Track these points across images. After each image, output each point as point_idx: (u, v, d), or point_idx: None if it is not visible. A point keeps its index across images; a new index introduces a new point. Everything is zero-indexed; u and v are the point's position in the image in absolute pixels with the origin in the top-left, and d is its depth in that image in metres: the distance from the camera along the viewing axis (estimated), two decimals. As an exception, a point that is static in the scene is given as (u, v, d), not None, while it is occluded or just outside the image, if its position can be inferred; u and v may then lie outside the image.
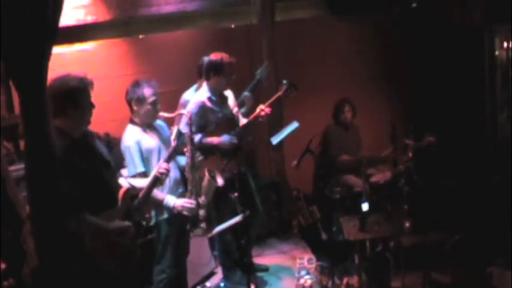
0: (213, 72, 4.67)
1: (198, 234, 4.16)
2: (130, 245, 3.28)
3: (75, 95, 3.16)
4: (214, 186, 4.21)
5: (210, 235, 4.71)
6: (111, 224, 3.20)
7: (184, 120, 4.31)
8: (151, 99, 3.99)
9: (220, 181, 4.28)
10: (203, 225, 4.11)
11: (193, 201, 4.03)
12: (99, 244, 3.13)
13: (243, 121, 4.91)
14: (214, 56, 4.69)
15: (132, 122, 4.08)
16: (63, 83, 3.14)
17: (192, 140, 4.08)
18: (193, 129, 4.50)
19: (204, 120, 4.67)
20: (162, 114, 4.10)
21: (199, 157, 4.16)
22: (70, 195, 2.88)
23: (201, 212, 4.09)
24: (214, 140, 4.70)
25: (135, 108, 4.02)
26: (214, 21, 6.47)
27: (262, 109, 4.79)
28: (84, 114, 3.24)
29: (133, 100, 4.00)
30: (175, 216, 4.04)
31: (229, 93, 4.92)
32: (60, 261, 2.78)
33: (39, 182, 2.71)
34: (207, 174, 4.17)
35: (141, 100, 3.99)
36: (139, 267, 3.40)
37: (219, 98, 4.77)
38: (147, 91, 3.98)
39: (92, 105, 3.25)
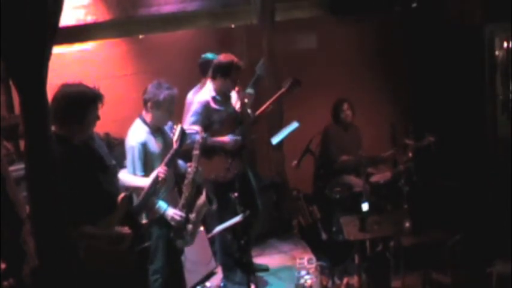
0: (220, 74, 4.66)
1: (180, 245, 4.16)
2: (126, 252, 3.27)
3: (85, 107, 3.15)
4: (207, 208, 4.21)
5: (210, 235, 4.72)
6: (109, 231, 3.20)
7: (190, 129, 4.30)
8: (168, 105, 3.98)
9: (215, 206, 4.29)
10: (187, 238, 4.11)
11: (183, 215, 4.03)
12: (94, 252, 3.12)
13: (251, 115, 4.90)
14: (224, 58, 4.66)
15: (142, 119, 4.06)
16: (73, 93, 3.13)
17: (199, 158, 4.06)
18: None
19: (208, 119, 4.67)
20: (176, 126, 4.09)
21: (200, 177, 4.16)
22: (71, 206, 2.87)
23: (189, 227, 4.09)
24: (219, 140, 4.70)
25: (150, 109, 4.00)
26: (214, 21, 6.46)
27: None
28: (88, 126, 3.24)
29: (150, 101, 3.98)
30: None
31: (232, 92, 4.92)
32: (60, 261, 2.78)
33: (39, 182, 2.71)
34: (204, 194, 4.16)
35: (158, 104, 3.96)
36: (136, 274, 3.40)
37: (223, 97, 4.77)
38: (167, 96, 3.95)
39: (97, 118, 3.24)
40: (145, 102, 4.02)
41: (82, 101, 3.13)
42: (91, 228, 3.13)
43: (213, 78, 4.70)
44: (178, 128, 3.92)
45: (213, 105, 4.69)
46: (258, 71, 5.21)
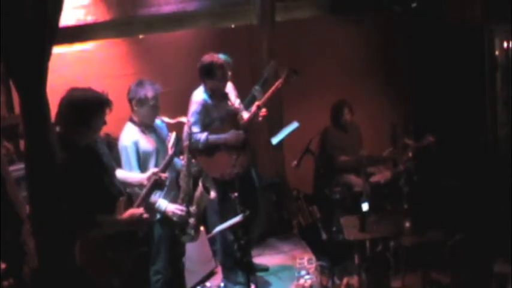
0: (205, 76, 4.68)
1: (185, 240, 4.15)
2: (121, 257, 3.27)
3: (91, 112, 3.15)
4: (206, 198, 4.20)
5: (210, 235, 4.72)
6: (125, 216, 3.23)
7: (185, 129, 4.31)
8: (152, 102, 3.98)
9: (213, 194, 4.29)
10: (192, 232, 4.10)
11: (184, 208, 4.03)
12: (89, 257, 3.11)
13: (245, 115, 4.89)
14: (205, 60, 4.67)
15: (131, 120, 4.08)
16: (82, 98, 3.13)
17: (189, 149, 4.07)
18: (199, 128, 4.50)
19: (208, 118, 4.68)
20: (163, 118, 4.10)
21: (194, 167, 4.15)
22: (74, 206, 2.87)
23: (191, 220, 4.09)
24: (221, 137, 4.70)
25: (135, 108, 4.03)
26: (214, 21, 6.46)
27: (259, 105, 4.77)
28: (94, 131, 3.25)
29: (134, 100, 4.00)
30: (168, 217, 4.04)
31: (229, 87, 4.91)
32: (60, 261, 2.78)
33: (39, 182, 2.71)
34: (200, 185, 4.16)
35: (141, 101, 3.98)
36: (135, 278, 3.39)
37: (218, 96, 4.77)
38: (148, 93, 3.97)
39: (104, 123, 3.25)
40: (130, 102, 4.04)
41: (88, 107, 3.14)
42: (108, 217, 3.14)
43: (202, 80, 4.72)
44: (172, 135, 3.95)
45: (210, 102, 4.70)
46: (266, 74, 5.20)
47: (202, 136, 4.61)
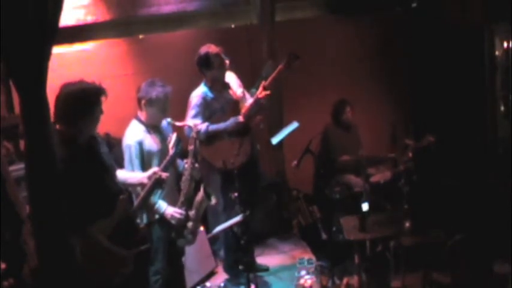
0: (203, 67, 4.68)
1: (181, 244, 4.14)
2: (122, 256, 3.26)
3: (89, 103, 3.15)
4: (206, 204, 4.20)
5: (210, 235, 4.72)
6: (116, 248, 3.19)
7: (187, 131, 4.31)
8: (161, 103, 3.98)
9: (213, 200, 4.28)
10: (188, 236, 4.09)
11: (183, 212, 4.01)
12: (90, 255, 3.09)
13: (248, 102, 4.87)
14: (201, 51, 4.68)
15: (137, 119, 4.07)
16: (78, 90, 3.13)
17: (194, 154, 4.05)
18: (200, 120, 4.49)
19: (208, 110, 4.68)
20: (171, 121, 4.09)
21: (198, 173, 4.15)
22: (74, 205, 2.86)
23: (189, 225, 4.08)
24: (220, 125, 4.69)
25: (143, 107, 4.02)
26: (214, 21, 6.47)
27: (264, 86, 4.73)
28: (96, 121, 3.24)
29: (144, 99, 3.99)
30: (166, 219, 4.03)
31: (231, 76, 4.90)
32: (60, 261, 2.78)
33: (39, 182, 2.71)
34: (202, 190, 4.15)
35: (151, 101, 3.98)
36: (135, 276, 3.39)
37: (218, 87, 4.77)
38: (160, 94, 3.96)
39: (102, 112, 3.24)
40: (139, 100, 4.03)
41: (88, 97, 3.14)
42: (101, 237, 3.13)
43: (202, 73, 4.72)
44: (173, 136, 3.95)
45: (210, 94, 4.70)
46: (264, 73, 5.19)
47: (203, 127, 4.60)
